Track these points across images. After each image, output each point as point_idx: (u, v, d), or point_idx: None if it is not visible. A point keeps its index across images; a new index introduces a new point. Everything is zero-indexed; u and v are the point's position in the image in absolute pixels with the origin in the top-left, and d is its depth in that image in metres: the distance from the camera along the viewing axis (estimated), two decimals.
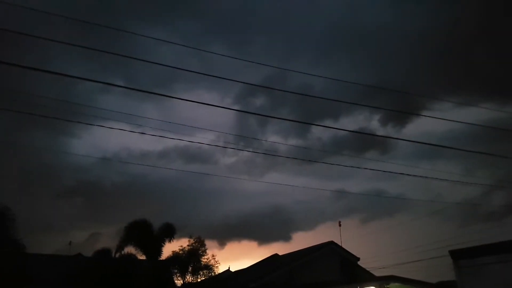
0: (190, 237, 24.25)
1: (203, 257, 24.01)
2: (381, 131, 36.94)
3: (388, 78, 33.40)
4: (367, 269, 26.98)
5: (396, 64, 38.56)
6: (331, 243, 26.73)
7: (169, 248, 23.76)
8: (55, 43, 9.45)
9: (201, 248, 24.04)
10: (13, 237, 17.93)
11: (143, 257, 22.72)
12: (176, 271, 23.56)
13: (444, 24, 34.32)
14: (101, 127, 12.66)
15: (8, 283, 17.70)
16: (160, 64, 9.96)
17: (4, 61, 8.39)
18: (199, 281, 23.85)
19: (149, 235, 22.44)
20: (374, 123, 41.37)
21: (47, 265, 23.30)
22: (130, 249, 22.48)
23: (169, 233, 22.93)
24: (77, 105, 15.12)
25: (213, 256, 24.39)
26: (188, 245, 24.07)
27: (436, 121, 13.37)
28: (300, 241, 52.08)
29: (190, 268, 23.54)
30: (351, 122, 40.56)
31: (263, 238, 45.70)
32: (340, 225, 27.53)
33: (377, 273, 25.75)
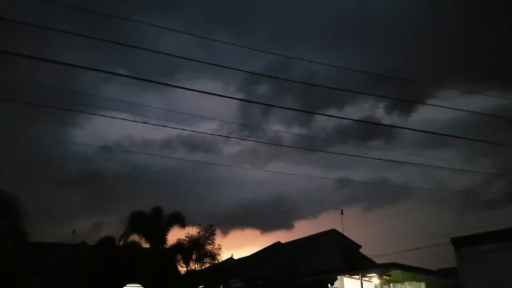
0: (200, 225, 24.38)
1: (209, 245, 24.21)
2: (386, 120, 36.75)
3: (393, 66, 33.14)
4: (369, 257, 27.22)
5: (400, 52, 38.27)
6: (333, 231, 26.92)
7: (176, 236, 23.95)
8: (57, 32, 9.42)
9: (210, 237, 24.22)
10: (17, 225, 18.12)
11: (147, 245, 22.96)
12: (180, 259, 23.81)
13: (450, 11, 33.92)
14: (103, 116, 12.66)
15: (12, 271, 17.93)
16: (163, 53, 9.90)
17: (6, 50, 8.37)
18: (203, 269, 24.11)
19: (154, 224, 22.64)
20: (379, 111, 41.14)
21: (50, 253, 23.51)
22: (134, 237, 22.75)
23: (178, 221, 23.07)
24: (80, 94, 15.10)
25: (219, 245, 24.61)
26: (198, 233, 24.22)
27: (441, 109, 13.31)
28: (303, 229, 52.30)
29: (194, 256, 23.78)
30: (356, 110, 40.31)
31: (266, 226, 45.96)
32: (342, 214, 27.69)
33: (378, 261, 25.98)
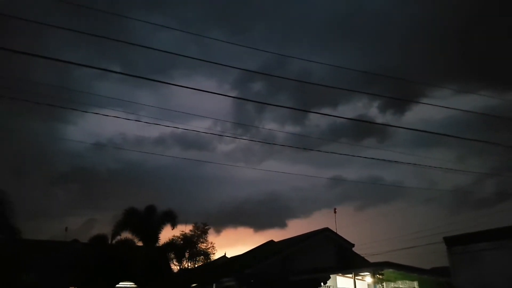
0: (196, 223, 24.40)
1: (202, 244, 24.20)
2: (380, 119, 36.99)
3: (387, 65, 33.32)
4: (362, 255, 27.33)
5: (396, 50, 38.47)
6: (326, 229, 26.97)
7: (170, 234, 23.94)
8: (51, 28, 9.31)
9: (203, 236, 24.20)
10: (9, 222, 17.87)
11: (140, 243, 22.85)
12: (172, 257, 23.75)
13: (444, 10, 34.14)
14: (96, 114, 12.52)
15: (4, 269, 17.74)
16: (159, 50, 9.84)
17: None
18: (196, 267, 24.06)
19: (147, 222, 22.53)
20: (373, 110, 41.45)
21: (43, 251, 23.33)
22: (127, 235, 22.64)
23: (171, 219, 23.02)
24: (74, 91, 14.95)
25: (212, 243, 24.61)
26: (190, 231, 24.21)
27: (435, 108, 13.41)
28: (296, 228, 52.70)
29: (187, 254, 23.73)
30: (350, 109, 40.58)
31: (259, 225, 46.18)
32: (335, 212, 27.79)
33: (371, 259, 26.11)
